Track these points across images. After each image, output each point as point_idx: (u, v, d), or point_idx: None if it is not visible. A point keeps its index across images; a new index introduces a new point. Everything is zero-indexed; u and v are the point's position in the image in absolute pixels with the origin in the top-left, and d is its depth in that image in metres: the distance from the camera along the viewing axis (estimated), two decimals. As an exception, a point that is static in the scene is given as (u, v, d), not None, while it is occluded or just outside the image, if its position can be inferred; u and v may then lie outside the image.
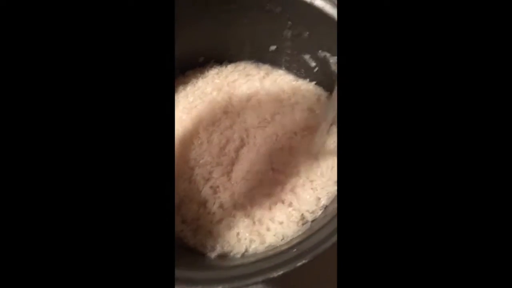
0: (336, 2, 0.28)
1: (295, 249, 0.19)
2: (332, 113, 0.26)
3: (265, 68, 0.38)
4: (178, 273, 0.20)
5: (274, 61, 0.38)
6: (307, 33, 0.33)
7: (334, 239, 0.19)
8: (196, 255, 0.29)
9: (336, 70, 0.32)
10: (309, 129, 0.33)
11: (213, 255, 0.28)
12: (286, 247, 0.24)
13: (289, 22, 0.33)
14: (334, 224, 0.20)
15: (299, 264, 0.18)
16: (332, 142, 0.33)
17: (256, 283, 0.18)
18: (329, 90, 0.36)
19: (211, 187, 0.31)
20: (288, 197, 0.30)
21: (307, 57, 0.35)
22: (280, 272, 0.18)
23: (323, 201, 0.29)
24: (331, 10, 0.28)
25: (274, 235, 0.28)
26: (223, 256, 0.28)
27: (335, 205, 0.26)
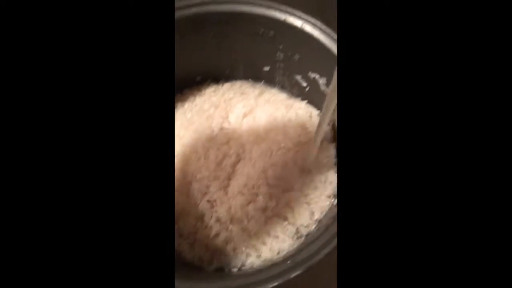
0: (324, 28, 0.31)
1: (289, 261, 0.20)
2: (323, 130, 0.28)
3: (260, 87, 0.40)
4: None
5: (268, 80, 0.40)
6: (298, 56, 0.35)
7: (327, 250, 0.20)
8: (193, 269, 0.29)
9: (325, 90, 0.34)
10: (302, 145, 0.35)
11: (210, 269, 0.29)
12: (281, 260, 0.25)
13: (281, 46, 0.35)
14: (326, 236, 0.21)
15: (293, 275, 0.19)
16: (324, 156, 0.34)
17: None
18: (319, 108, 0.38)
19: (208, 201, 0.31)
20: (283, 211, 0.31)
21: (298, 77, 0.37)
22: (275, 283, 0.18)
23: (317, 215, 0.30)
24: (320, 36, 0.31)
25: (270, 250, 0.29)
26: (220, 270, 0.29)
27: (328, 219, 0.27)
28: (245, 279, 0.20)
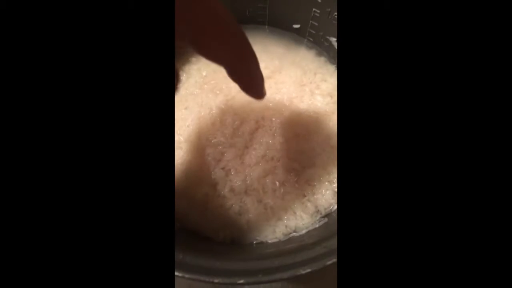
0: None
1: (321, 246, 0.18)
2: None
3: (286, 45, 0.36)
4: (191, 259, 0.19)
5: (296, 39, 0.36)
6: (336, 14, 0.31)
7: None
8: (201, 239, 0.27)
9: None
10: (327, 114, 0.32)
11: (219, 239, 0.27)
12: (301, 241, 0.23)
13: (319, 0, 0.30)
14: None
15: (328, 262, 0.17)
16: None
17: (281, 279, 0.16)
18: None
19: (222, 169, 0.29)
20: (303, 188, 0.28)
21: (333, 39, 0.33)
22: (308, 270, 0.16)
23: (341, 195, 0.28)
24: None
25: (286, 226, 0.27)
26: (231, 242, 0.27)
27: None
28: (271, 261, 0.18)
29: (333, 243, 0.18)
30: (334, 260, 0.17)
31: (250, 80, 0.17)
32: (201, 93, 0.32)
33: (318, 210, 0.28)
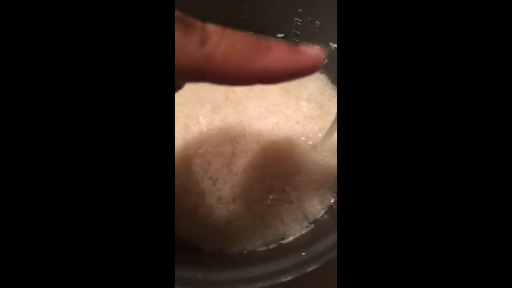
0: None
1: (304, 253, 0.18)
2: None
3: (271, 56, 0.36)
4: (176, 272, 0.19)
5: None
6: (318, 22, 0.31)
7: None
8: (191, 250, 0.27)
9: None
10: (312, 118, 0.32)
11: (208, 250, 0.27)
12: (290, 248, 0.23)
13: (300, 10, 0.31)
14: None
15: (309, 269, 0.17)
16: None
17: (262, 288, 0.16)
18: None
19: (210, 178, 0.29)
20: (290, 194, 0.28)
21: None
22: (289, 278, 0.16)
23: (327, 201, 0.28)
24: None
25: (274, 233, 0.27)
26: (220, 252, 0.27)
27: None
28: (253, 271, 0.17)
29: (314, 249, 0.18)
30: (315, 266, 0.17)
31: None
32: (187, 103, 0.32)
33: (306, 217, 0.28)
